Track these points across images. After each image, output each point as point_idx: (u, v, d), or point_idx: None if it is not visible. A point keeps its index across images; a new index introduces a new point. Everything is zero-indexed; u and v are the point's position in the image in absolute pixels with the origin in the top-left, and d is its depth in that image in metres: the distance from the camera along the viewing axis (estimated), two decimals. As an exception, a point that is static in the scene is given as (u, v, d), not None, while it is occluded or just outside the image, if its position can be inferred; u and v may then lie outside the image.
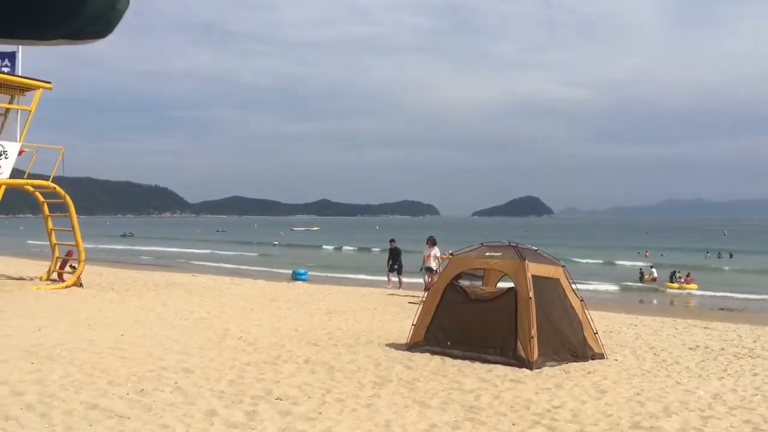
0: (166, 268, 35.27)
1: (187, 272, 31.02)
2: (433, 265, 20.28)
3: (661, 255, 61.49)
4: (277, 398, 7.61)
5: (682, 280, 36.07)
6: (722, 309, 25.65)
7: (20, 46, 15.42)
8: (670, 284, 36.11)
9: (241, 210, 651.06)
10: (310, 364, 9.67)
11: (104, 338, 11.03)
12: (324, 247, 72.93)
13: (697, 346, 13.00)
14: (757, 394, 8.69)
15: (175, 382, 8.13)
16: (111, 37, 1.77)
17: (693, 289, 34.72)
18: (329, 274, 35.59)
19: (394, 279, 24.47)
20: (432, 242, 21.10)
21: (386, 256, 26.26)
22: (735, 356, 11.89)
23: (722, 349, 12.79)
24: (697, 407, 7.88)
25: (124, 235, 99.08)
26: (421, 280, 21.79)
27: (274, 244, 79.34)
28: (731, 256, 61.95)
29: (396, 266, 24.47)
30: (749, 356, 11.95)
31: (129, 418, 6.63)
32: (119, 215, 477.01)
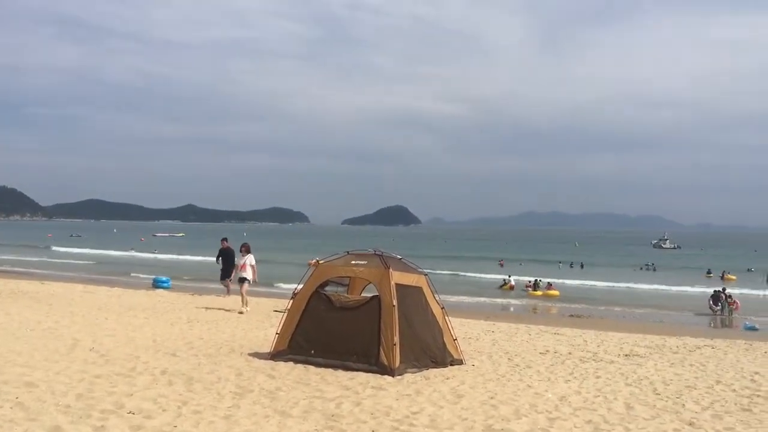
0: (11, 275, 32.75)
1: (34, 279, 28.97)
2: (248, 274, 18.67)
3: (520, 264, 64.71)
4: (130, 412, 7.25)
5: (546, 288, 38.36)
6: (572, 315, 27.36)
7: None
8: (533, 292, 38.23)
9: (99, 214, 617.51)
10: (167, 375, 9.30)
11: (-65, 351, 10.05)
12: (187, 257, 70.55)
13: (548, 351, 13.78)
14: (599, 396, 9.30)
15: (16, 398, 7.54)
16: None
17: (555, 296, 37.06)
18: (192, 284, 34.43)
19: (234, 286, 21.02)
20: (246, 249, 19.18)
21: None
22: (581, 360, 12.69)
23: (570, 353, 13.62)
24: (545, 409, 8.33)
25: None
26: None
27: (132, 249, 75.96)
28: (582, 266, 66.28)
29: (227, 269, 21.72)
30: (593, 360, 12.79)
31: (-41, 438, 6.08)
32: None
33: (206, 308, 18.89)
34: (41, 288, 22.90)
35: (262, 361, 10.75)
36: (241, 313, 17.84)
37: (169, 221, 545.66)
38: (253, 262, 18.86)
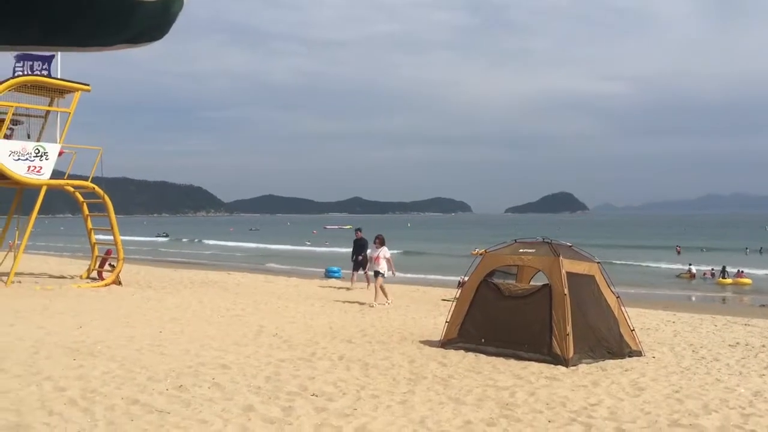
0: (201, 266, 35.73)
1: (222, 270, 31.38)
2: (383, 268, 17.47)
3: (701, 251, 60.42)
4: (313, 394, 7.67)
5: (736, 275, 35.48)
6: (763, 306, 25.13)
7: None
8: (722, 280, 35.51)
9: (273, 208, 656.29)
10: (344, 360, 9.72)
11: (143, 335, 11.23)
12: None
13: (738, 343, 12.77)
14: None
15: (213, 378, 8.24)
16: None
17: (747, 284, 34.12)
18: (361, 272, 35.59)
19: (361, 274, 21.46)
20: (381, 241, 17.91)
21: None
22: (778, 353, 11.64)
23: (763, 346, 12.53)
24: (738, 405, 7.74)
25: (159, 236, 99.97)
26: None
27: (307, 244, 79.85)
28: (760, 250, 60.55)
29: (360, 260, 21.14)
30: (791, 353, 11.68)
31: (169, 413, 6.74)
32: (155, 214, 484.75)
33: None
34: (228, 278, 24.77)
35: (433, 348, 10.91)
36: (372, 306, 16.77)
37: (337, 214, 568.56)
38: (388, 255, 17.81)
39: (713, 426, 6.83)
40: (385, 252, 17.65)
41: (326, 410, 7.04)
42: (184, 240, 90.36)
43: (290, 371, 8.84)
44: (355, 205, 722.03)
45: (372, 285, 18.75)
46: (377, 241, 17.93)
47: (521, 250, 11.10)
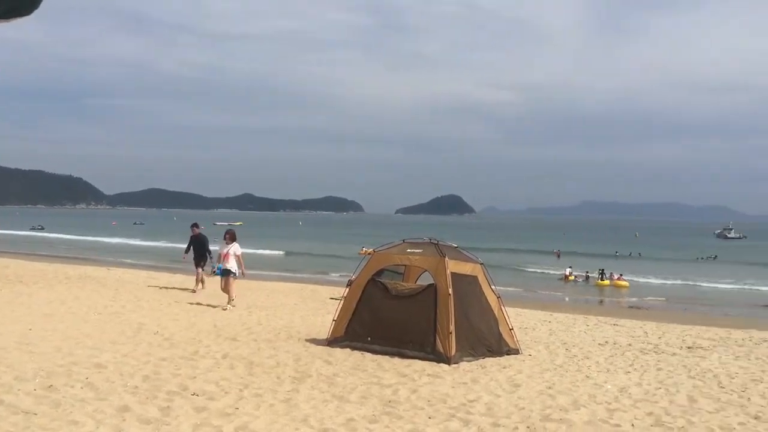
0: (79, 261, 34.00)
1: (101, 265, 29.99)
2: (232, 266, 15.71)
3: (577, 256, 63.65)
4: (194, 394, 7.48)
5: (615, 278, 37.67)
6: (631, 307, 26.82)
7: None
8: (601, 282, 37.56)
9: (160, 203, 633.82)
10: (228, 359, 9.54)
11: (10, 332, 10.55)
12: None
13: (607, 342, 13.56)
14: (660, 388, 9.12)
15: (86, 378, 7.87)
16: (30, 21, 1.75)
17: (624, 287, 36.29)
18: (250, 271, 35.07)
19: (204, 274, 19.08)
20: (231, 237, 16.00)
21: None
22: (641, 352, 12.45)
23: (630, 344, 13.38)
24: (605, 400, 8.22)
25: (33, 229, 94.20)
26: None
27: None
28: (640, 255, 64.95)
29: (201, 259, 18.77)
30: (654, 352, 12.53)
31: (36, 414, 6.38)
32: (29, 205, 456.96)
33: (266, 295, 19.26)
34: (108, 274, 23.71)
35: (320, 347, 10.91)
36: (225, 309, 15.18)
37: (227, 210, 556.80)
38: (239, 252, 15.87)
39: (581, 420, 7.23)
40: (236, 249, 15.85)
41: (207, 410, 6.89)
42: (61, 235, 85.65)
43: (170, 370, 8.58)
44: (246, 202, 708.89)
45: (220, 285, 16.12)
46: (228, 236, 16.04)
47: (408, 250, 11.31)
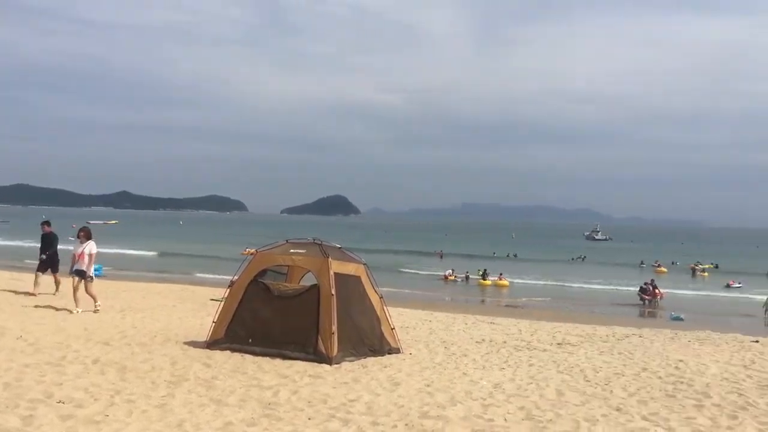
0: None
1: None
2: (85, 265, 14.35)
3: (459, 257, 65.62)
4: (59, 401, 7.07)
5: (497, 278, 39.15)
6: (507, 306, 27.95)
7: None
8: (483, 282, 38.96)
9: (27, 199, 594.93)
10: (99, 364, 9.09)
11: None
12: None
13: (483, 340, 14.04)
14: (531, 383, 9.54)
15: (-63, 388, 7.25)
16: None
17: (505, 286, 37.85)
18: (125, 271, 33.65)
19: (48, 278, 17.35)
20: (86, 235, 14.63)
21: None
22: (515, 348, 12.98)
23: (504, 342, 13.91)
24: (480, 396, 8.49)
25: None
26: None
27: (71, 239, 73.55)
28: (516, 256, 67.87)
29: (47, 259, 17.12)
30: (527, 348, 13.10)
31: None
32: None
33: (142, 296, 18.51)
34: (-35, 275, 21.97)
35: (198, 350, 10.61)
36: (71, 312, 14.09)
37: (102, 208, 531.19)
38: (95, 251, 14.54)
39: (457, 416, 7.43)
40: (91, 248, 14.48)
41: (73, 417, 6.52)
42: None
43: (34, 377, 8.06)
44: (123, 200, 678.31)
45: (76, 288, 14.48)
46: (82, 234, 14.67)
47: (292, 251, 11.21)
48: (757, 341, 15.45)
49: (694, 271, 56.06)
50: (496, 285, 38.25)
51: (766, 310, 29.41)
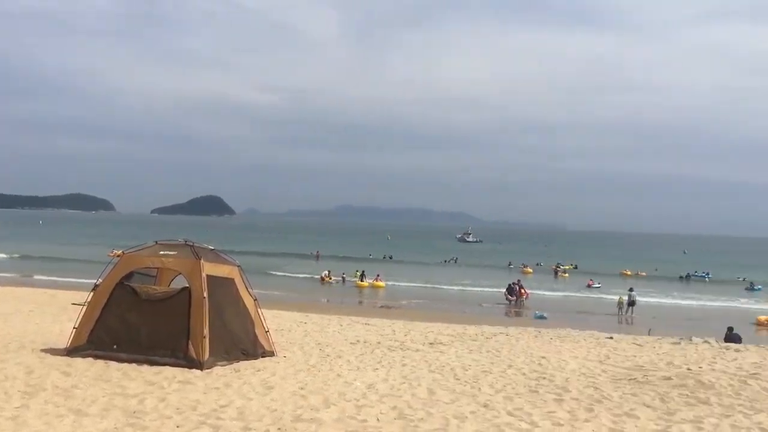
0: None
1: None
2: None
3: (335, 258, 65.83)
4: None
5: (374, 279, 39.59)
6: (382, 306, 28.35)
7: None
8: (361, 283, 39.24)
9: None
10: (-58, 375, 8.35)
11: None
12: None
13: (358, 341, 14.15)
14: (404, 383, 9.71)
15: None
16: None
17: (382, 287, 38.36)
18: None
19: None
20: None
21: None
22: (389, 349, 13.17)
23: (379, 342, 14.09)
24: (354, 397, 8.55)
25: None
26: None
27: None
28: (391, 257, 69.00)
29: None
30: (400, 348, 13.33)
31: None
32: None
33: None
34: None
35: (57, 357, 10.00)
36: None
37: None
38: None
39: (331, 418, 7.44)
40: None
41: None
42: None
43: None
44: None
45: None
46: None
47: (162, 252, 10.80)
48: (611, 338, 16.55)
49: (556, 272, 59.28)
50: (373, 286, 38.77)
51: (619, 308, 31.59)
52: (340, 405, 8.08)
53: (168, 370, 9.42)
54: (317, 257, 66.23)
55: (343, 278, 41.72)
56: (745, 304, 38.06)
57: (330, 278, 41.49)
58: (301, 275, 45.91)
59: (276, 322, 15.76)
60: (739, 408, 8.38)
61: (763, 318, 29.68)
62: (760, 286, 49.01)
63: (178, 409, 7.46)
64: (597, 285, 45.48)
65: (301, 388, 8.90)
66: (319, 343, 13.38)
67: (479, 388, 9.46)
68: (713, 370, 11.07)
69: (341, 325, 17.23)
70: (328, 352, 12.25)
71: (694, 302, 38.78)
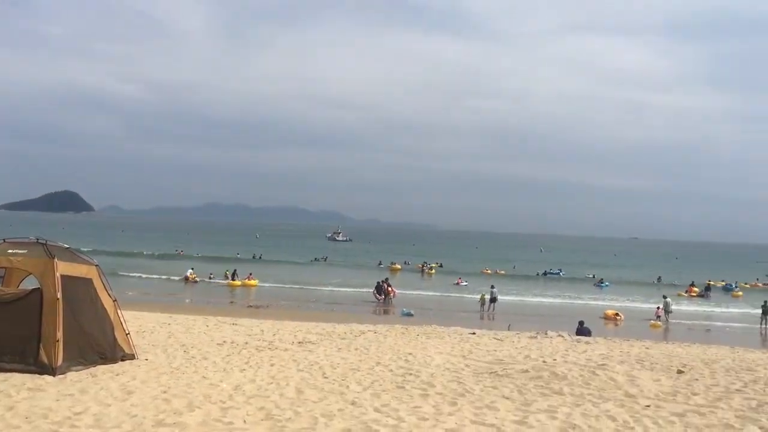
0: None
1: None
2: None
3: (198, 255, 64.02)
4: None
5: (246, 278, 38.94)
6: (251, 306, 27.90)
7: None
8: (233, 282, 38.47)
9: None
10: None
11: None
12: None
13: (225, 342, 13.85)
14: (272, 383, 9.61)
15: None
16: None
17: (253, 285, 37.80)
18: None
19: None
20: None
21: None
22: (257, 349, 12.99)
23: (246, 343, 13.86)
24: (219, 399, 8.35)
25: None
26: None
27: None
28: (261, 257, 68.08)
29: None
30: (269, 348, 13.18)
31: None
32: None
33: None
34: None
35: None
36: None
37: None
38: None
39: (195, 422, 7.23)
40: None
41: None
42: None
43: None
44: None
45: None
46: None
47: (10, 251, 10.05)
48: (474, 333, 17.23)
49: (422, 270, 60.91)
50: (244, 285, 38.19)
51: (482, 305, 32.95)
52: (205, 408, 7.87)
53: (17, 377, 8.79)
54: (181, 253, 64.20)
55: (210, 277, 40.70)
56: (594, 299, 40.81)
57: (195, 277, 40.32)
58: (164, 276, 44.21)
59: (137, 324, 15.11)
60: (588, 397, 8.98)
61: (610, 312, 32.02)
62: (607, 283, 52.76)
63: (27, 418, 6.97)
64: (465, 283, 47.18)
65: (164, 392, 8.58)
66: (183, 345, 12.96)
67: (347, 386, 9.53)
68: (566, 361, 11.80)
69: (207, 326, 16.79)
70: (194, 354, 11.89)
71: (549, 299, 41.10)
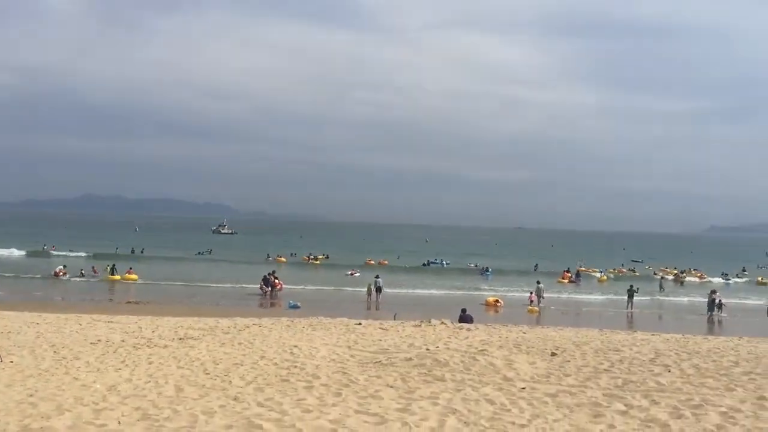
0: None
1: None
2: None
3: (70, 251, 60.75)
4: None
5: (127, 272, 37.41)
6: (129, 302, 26.80)
7: None
8: (112, 276, 36.91)
9: None
10: None
11: None
12: None
13: (99, 340, 13.22)
14: (150, 382, 9.25)
15: None
16: None
17: (134, 279, 36.42)
18: None
19: None
20: None
21: None
22: (134, 347, 12.47)
23: (123, 341, 13.29)
24: (92, 401, 7.95)
25: None
26: None
27: None
28: (143, 251, 65.47)
29: None
30: (147, 346, 12.69)
31: None
32: None
33: None
34: None
35: None
36: None
37: None
38: None
39: (64, 426, 6.84)
40: None
41: None
42: None
43: None
44: None
45: None
46: None
47: None
48: (360, 323, 17.34)
49: (308, 261, 60.83)
50: (124, 280, 36.71)
51: (369, 295, 33.25)
52: (76, 410, 7.48)
53: None
54: (53, 249, 60.75)
55: (82, 273, 38.80)
56: (477, 288, 42.14)
57: (65, 274, 38.27)
58: (33, 275, 41.51)
59: (2, 324, 14.17)
60: (469, 382, 9.25)
61: (491, 299, 33.17)
62: (490, 271, 54.63)
63: None
64: (357, 274, 47.48)
65: (30, 396, 8.08)
66: (53, 345, 12.25)
67: (230, 381, 9.35)
68: (448, 348, 12.10)
69: (81, 324, 15.96)
70: (64, 354, 11.27)
71: (434, 288, 42.02)
